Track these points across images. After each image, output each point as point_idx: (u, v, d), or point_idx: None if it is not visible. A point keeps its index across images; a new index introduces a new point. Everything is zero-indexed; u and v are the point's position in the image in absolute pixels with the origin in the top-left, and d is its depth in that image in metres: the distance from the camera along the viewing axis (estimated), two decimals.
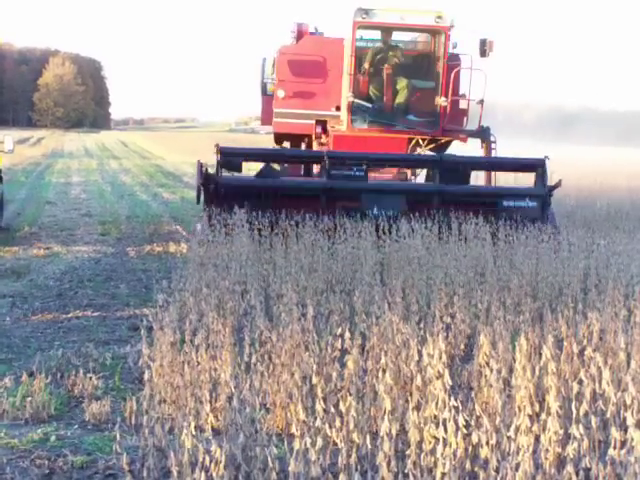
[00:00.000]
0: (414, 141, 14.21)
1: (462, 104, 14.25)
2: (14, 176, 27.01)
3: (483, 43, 13.66)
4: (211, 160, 11.85)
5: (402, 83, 13.96)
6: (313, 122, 14.10)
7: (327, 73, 14.65)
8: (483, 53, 13.73)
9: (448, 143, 14.66)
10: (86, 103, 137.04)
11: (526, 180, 13.58)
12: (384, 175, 13.90)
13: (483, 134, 14.01)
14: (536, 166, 12.27)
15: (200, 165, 11.51)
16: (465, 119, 14.39)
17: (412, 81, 14.09)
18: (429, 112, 14.09)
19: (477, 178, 14.28)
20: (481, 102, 13.84)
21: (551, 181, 12.02)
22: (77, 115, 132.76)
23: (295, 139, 15.08)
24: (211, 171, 11.56)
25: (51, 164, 38.31)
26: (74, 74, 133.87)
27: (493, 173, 13.93)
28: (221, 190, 11.39)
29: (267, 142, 15.65)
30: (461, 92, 14.27)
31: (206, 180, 11.45)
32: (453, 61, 14.05)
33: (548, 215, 11.95)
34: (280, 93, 14.62)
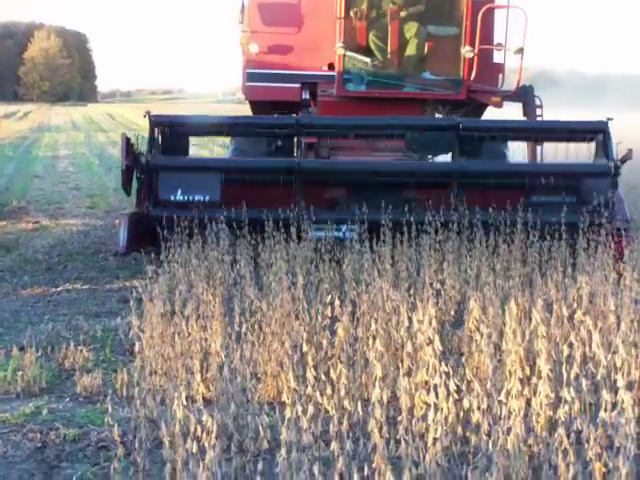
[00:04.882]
0: (430, 107, 11.07)
1: (497, 56, 10.90)
2: (1, 150, 26.88)
3: None
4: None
5: (412, 29, 10.62)
6: (298, 85, 10.72)
7: (317, 20, 10.90)
8: None
9: (480, 109, 11.45)
10: (72, 76, 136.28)
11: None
12: (386, 155, 10.31)
13: (523, 96, 10.92)
14: (596, 132, 9.23)
15: (127, 140, 9.03)
16: (501, 76, 10.97)
17: (428, 27, 10.71)
18: (451, 68, 10.74)
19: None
20: (520, 51, 10.37)
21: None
22: (63, 88, 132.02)
23: (285, 108, 10.90)
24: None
25: (38, 138, 38.02)
26: (60, 47, 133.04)
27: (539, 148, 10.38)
28: (153, 175, 9.02)
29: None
30: (496, 41, 10.87)
31: (134, 161, 9.05)
32: None
33: (614, 202, 8.97)
34: (253, 48, 10.93)
